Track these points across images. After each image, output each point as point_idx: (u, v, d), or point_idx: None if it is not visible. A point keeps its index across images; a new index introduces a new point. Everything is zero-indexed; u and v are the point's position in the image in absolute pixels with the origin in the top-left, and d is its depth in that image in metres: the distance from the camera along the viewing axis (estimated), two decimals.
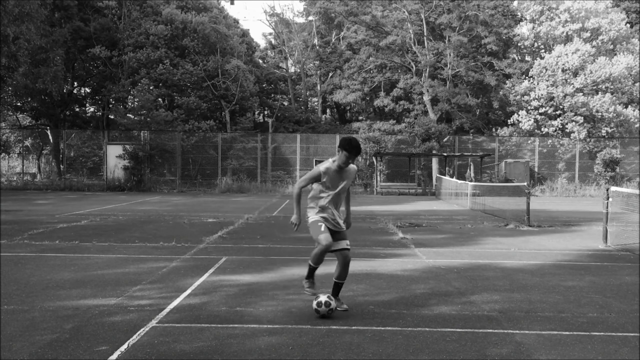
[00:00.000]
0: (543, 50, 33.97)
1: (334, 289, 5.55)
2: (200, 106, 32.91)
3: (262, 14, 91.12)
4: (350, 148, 5.31)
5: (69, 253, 8.76)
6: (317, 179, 5.45)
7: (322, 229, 5.39)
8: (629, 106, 31.54)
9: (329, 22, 42.34)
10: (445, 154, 29.98)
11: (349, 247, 5.49)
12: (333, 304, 5.25)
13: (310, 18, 43.45)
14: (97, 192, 26.68)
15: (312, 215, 5.52)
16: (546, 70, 31.49)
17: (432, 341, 4.63)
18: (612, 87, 31.03)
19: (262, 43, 47.83)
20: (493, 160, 32.16)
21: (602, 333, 4.93)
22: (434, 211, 17.77)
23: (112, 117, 34.89)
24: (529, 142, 32.58)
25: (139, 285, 6.55)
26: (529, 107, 31.62)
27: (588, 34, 32.84)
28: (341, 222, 5.55)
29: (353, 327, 4.98)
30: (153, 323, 5.04)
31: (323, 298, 5.25)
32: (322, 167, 5.44)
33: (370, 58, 36.47)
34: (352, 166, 5.54)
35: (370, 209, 18.12)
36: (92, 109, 40.03)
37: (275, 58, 45.86)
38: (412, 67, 35.13)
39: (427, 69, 33.70)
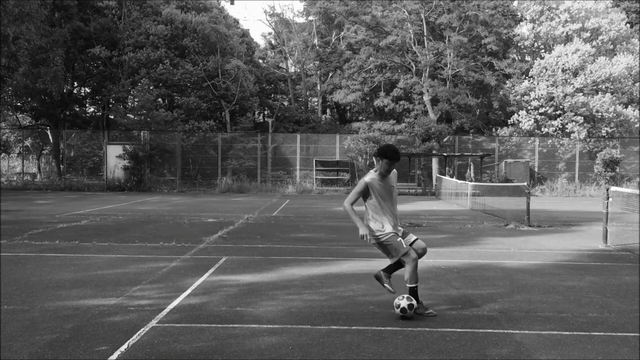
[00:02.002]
0: (543, 50, 33.97)
1: (411, 294, 5.45)
2: (200, 106, 32.91)
3: (262, 14, 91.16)
4: (392, 155, 5.36)
5: (69, 253, 8.76)
6: (365, 192, 5.44)
7: (404, 244, 5.44)
8: (629, 106, 31.54)
9: (329, 22, 42.34)
10: (445, 154, 29.97)
11: (417, 238, 5.63)
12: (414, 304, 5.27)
13: (310, 18, 43.44)
14: (97, 192, 26.68)
15: (382, 231, 5.46)
16: (546, 70, 31.49)
17: (432, 341, 4.63)
18: (612, 87, 31.03)
19: (262, 43, 47.87)
20: (493, 160, 32.16)
21: (602, 333, 4.93)
22: (434, 211, 17.77)
23: (112, 117, 34.88)
24: (529, 142, 32.58)
25: (139, 285, 6.55)
26: (529, 107, 31.61)
27: (588, 34, 32.84)
28: (400, 227, 5.63)
29: (353, 327, 4.99)
30: (153, 323, 5.04)
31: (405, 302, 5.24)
32: (367, 178, 5.46)
33: (370, 58, 36.47)
34: (394, 171, 5.59)
35: None
36: (92, 109, 40.03)
37: (275, 58, 45.85)
38: (412, 67, 35.12)
39: (427, 69, 33.70)
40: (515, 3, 35.74)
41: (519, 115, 31.86)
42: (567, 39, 33.05)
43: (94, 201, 20.47)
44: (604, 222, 10.42)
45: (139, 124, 30.75)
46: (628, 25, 34.92)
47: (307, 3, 43.86)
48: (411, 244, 5.51)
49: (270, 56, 46.27)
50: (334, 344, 4.53)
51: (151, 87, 32.69)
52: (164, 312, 5.42)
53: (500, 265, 8.21)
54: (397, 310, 5.26)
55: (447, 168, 30.13)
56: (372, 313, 5.48)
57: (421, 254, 5.54)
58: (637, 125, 31.51)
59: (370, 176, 5.46)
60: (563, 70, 31.08)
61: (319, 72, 42.15)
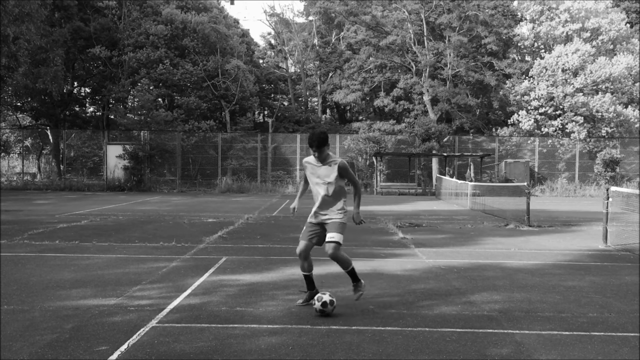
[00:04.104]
0: (543, 50, 33.97)
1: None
2: (200, 106, 32.91)
3: (262, 14, 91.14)
4: (308, 140, 5.49)
5: (69, 253, 8.76)
6: (305, 172, 5.76)
7: (304, 236, 5.61)
8: (629, 106, 31.54)
9: (329, 22, 42.33)
10: (445, 154, 29.97)
11: (333, 240, 5.46)
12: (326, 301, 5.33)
13: (310, 18, 43.43)
14: (97, 192, 26.68)
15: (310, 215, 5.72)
16: (546, 70, 31.49)
17: (432, 341, 4.63)
18: (612, 87, 31.03)
19: (261, 43, 47.86)
20: (493, 160, 32.16)
21: (602, 333, 4.93)
22: (434, 211, 17.77)
23: (112, 117, 34.89)
24: (529, 142, 32.58)
25: (139, 285, 6.55)
26: (529, 107, 31.61)
27: (588, 34, 32.84)
28: (333, 214, 5.53)
29: (353, 327, 4.98)
30: (153, 323, 5.04)
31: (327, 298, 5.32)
32: (305, 158, 5.74)
33: (370, 58, 36.46)
34: (338, 160, 5.53)
35: (370, 209, 18.11)
36: (92, 109, 40.03)
37: (275, 58, 45.85)
38: (412, 67, 35.12)
39: (427, 69, 33.70)
40: (515, 3, 35.74)
41: (519, 115, 31.87)
42: (567, 39, 33.05)
43: (94, 201, 20.47)
44: (604, 222, 10.42)
45: (139, 124, 30.75)
46: (628, 25, 34.92)
47: (307, 3, 43.85)
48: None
49: (270, 56, 46.26)
50: (334, 344, 4.53)
51: (151, 87, 32.70)
52: (164, 312, 5.42)
53: (500, 265, 8.21)
54: (318, 304, 5.28)
55: (447, 168, 30.13)
56: (372, 313, 5.48)
57: (329, 255, 5.53)
58: (637, 125, 31.51)
59: (308, 158, 5.69)
60: (563, 70, 31.08)
61: (319, 72, 42.14)
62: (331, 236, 5.45)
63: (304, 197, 6.03)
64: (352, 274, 5.67)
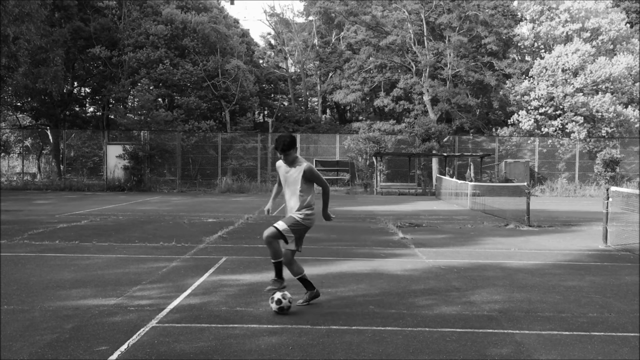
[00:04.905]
0: (543, 50, 33.97)
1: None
2: (200, 106, 32.91)
3: (262, 14, 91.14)
4: (276, 145, 5.63)
5: (69, 253, 8.76)
6: (278, 174, 5.94)
7: (271, 227, 5.72)
8: (629, 106, 31.53)
9: (329, 22, 42.34)
10: (445, 154, 29.97)
11: (275, 225, 5.64)
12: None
13: (310, 18, 43.43)
14: (97, 192, 26.68)
15: None
16: (546, 70, 31.49)
17: (432, 341, 4.63)
18: (612, 87, 31.02)
19: (261, 43, 47.86)
20: (493, 160, 32.16)
21: (602, 333, 4.93)
22: (434, 211, 17.76)
23: (112, 117, 34.89)
24: (529, 142, 32.57)
25: (139, 285, 6.56)
26: (529, 107, 31.61)
27: (588, 34, 32.83)
28: (294, 212, 5.70)
29: (353, 327, 4.99)
30: (153, 323, 5.05)
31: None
32: (278, 161, 5.89)
33: (370, 58, 36.46)
34: (303, 164, 5.67)
35: (370, 209, 18.11)
36: (92, 109, 40.03)
37: (274, 58, 45.85)
38: (412, 67, 35.12)
39: (427, 69, 33.69)
40: (515, 3, 35.74)
41: (519, 115, 31.86)
42: (567, 39, 33.04)
43: (94, 201, 20.47)
44: (604, 222, 10.42)
45: (139, 124, 30.75)
46: (628, 25, 34.91)
47: (307, 3, 43.85)
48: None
49: (270, 56, 46.27)
50: (334, 344, 4.53)
51: (151, 87, 32.69)
52: (164, 312, 5.42)
53: (500, 265, 8.22)
54: (273, 303, 5.39)
55: (447, 168, 30.13)
56: (372, 313, 5.48)
57: (263, 236, 5.72)
58: (637, 125, 31.51)
59: (279, 161, 5.86)
60: (563, 70, 31.08)
61: (319, 72, 42.15)
62: (277, 223, 5.66)
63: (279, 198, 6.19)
64: (278, 269, 5.72)
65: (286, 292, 5.48)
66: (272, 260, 5.73)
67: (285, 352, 4.33)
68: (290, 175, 5.70)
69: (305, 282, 5.77)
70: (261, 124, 40.08)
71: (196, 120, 31.98)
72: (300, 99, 43.71)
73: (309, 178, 5.67)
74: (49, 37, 28.98)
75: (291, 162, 5.69)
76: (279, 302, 5.37)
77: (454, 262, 8.34)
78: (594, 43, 32.62)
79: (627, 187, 25.52)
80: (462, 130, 35.50)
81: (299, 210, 5.67)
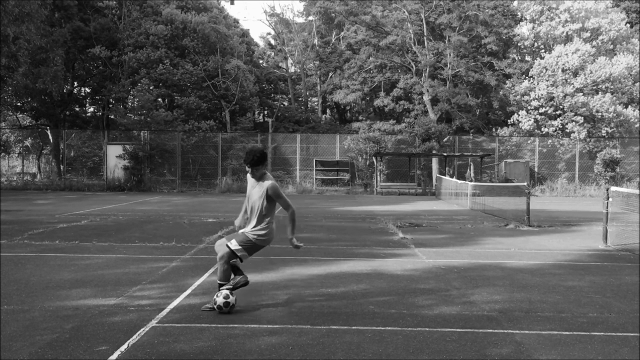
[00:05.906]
0: (543, 50, 33.97)
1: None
2: (200, 106, 32.91)
3: (262, 14, 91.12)
4: (245, 159, 5.50)
5: (69, 253, 8.76)
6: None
7: (223, 242, 5.62)
8: (629, 106, 31.53)
9: (329, 22, 42.32)
10: (445, 154, 29.97)
11: (228, 244, 5.48)
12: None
13: (310, 18, 43.41)
14: (97, 192, 26.68)
15: None
16: (546, 70, 31.49)
17: (432, 341, 4.63)
18: (612, 87, 31.02)
19: (261, 43, 47.84)
20: (493, 160, 32.16)
21: (602, 333, 4.93)
22: (434, 211, 17.76)
23: (112, 117, 34.88)
24: (529, 142, 32.57)
25: (139, 285, 6.56)
26: (529, 107, 31.61)
27: (588, 34, 32.83)
28: (248, 230, 5.56)
29: (353, 327, 4.99)
30: (153, 323, 5.05)
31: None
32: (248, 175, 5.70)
33: (370, 58, 36.45)
34: (268, 182, 5.48)
35: (370, 209, 18.11)
36: (92, 109, 40.03)
37: (274, 58, 45.84)
38: (412, 67, 35.12)
39: (427, 69, 33.69)
40: (515, 3, 35.74)
41: (519, 115, 31.86)
42: (567, 39, 33.04)
43: (94, 201, 20.47)
44: (604, 222, 10.42)
45: (139, 124, 30.74)
46: (628, 25, 34.91)
47: (307, 3, 43.83)
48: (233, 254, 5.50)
49: (270, 56, 46.26)
50: (334, 344, 4.54)
51: (151, 87, 32.68)
52: (164, 312, 5.42)
53: (500, 265, 8.22)
54: (215, 306, 5.37)
55: (447, 168, 30.13)
56: (372, 313, 5.48)
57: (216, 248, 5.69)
58: (637, 125, 31.51)
59: (248, 175, 5.67)
60: (563, 70, 31.08)
61: (319, 72, 42.14)
62: (230, 242, 5.49)
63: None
64: (234, 269, 5.55)
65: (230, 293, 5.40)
66: (218, 281, 5.55)
67: (285, 352, 4.33)
68: (256, 192, 5.53)
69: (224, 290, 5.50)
70: (261, 124, 40.08)
71: (196, 120, 31.97)
72: (300, 99, 43.70)
73: (271, 197, 5.48)
74: (49, 37, 28.97)
75: (259, 178, 5.55)
76: (226, 296, 5.33)
77: (454, 262, 8.34)
78: (594, 43, 32.61)
79: (627, 187, 25.52)
80: (462, 130, 35.50)
81: (254, 227, 5.52)
